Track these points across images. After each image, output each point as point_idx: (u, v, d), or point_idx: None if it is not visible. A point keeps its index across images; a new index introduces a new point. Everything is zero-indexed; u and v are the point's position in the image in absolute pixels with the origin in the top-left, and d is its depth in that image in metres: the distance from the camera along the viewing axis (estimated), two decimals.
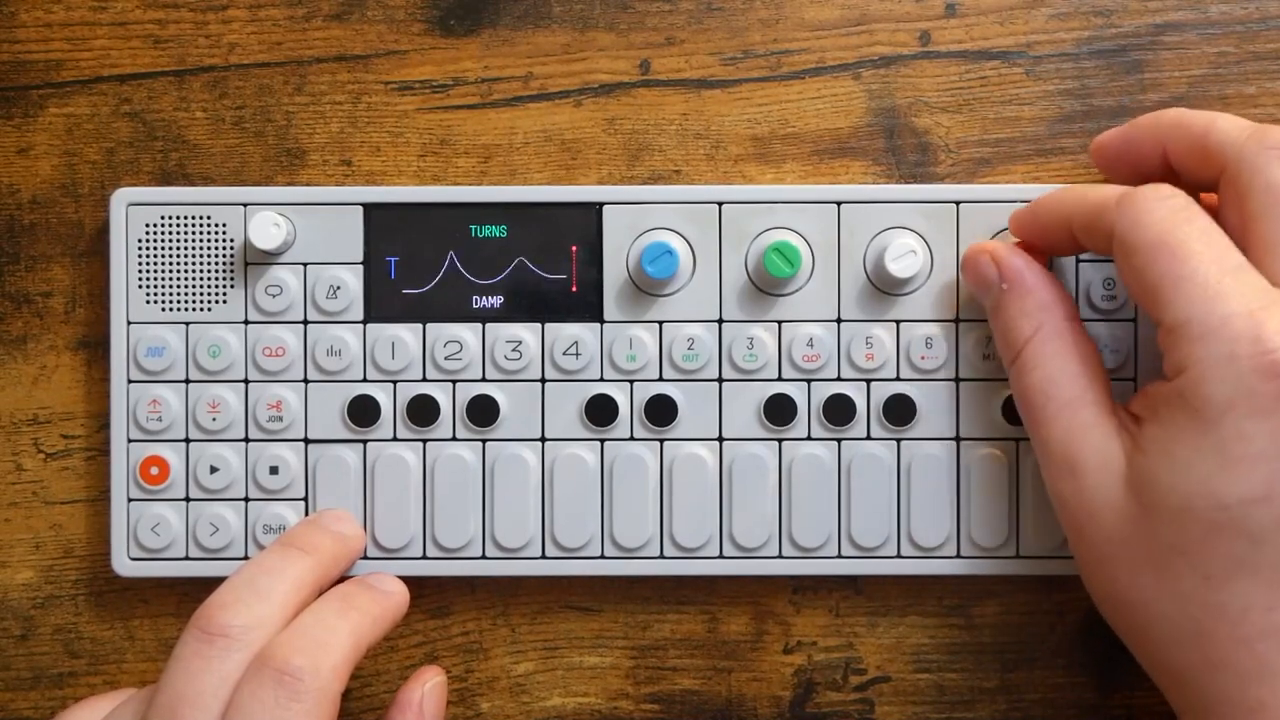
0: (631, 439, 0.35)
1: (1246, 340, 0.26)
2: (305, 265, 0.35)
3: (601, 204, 0.35)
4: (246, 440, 0.35)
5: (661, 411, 0.35)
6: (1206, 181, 0.30)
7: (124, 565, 0.35)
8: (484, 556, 0.35)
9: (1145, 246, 0.28)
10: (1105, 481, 0.29)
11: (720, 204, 0.35)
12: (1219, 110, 0.36)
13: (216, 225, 0.35)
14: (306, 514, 0.35)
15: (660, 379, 0.35)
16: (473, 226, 0.35)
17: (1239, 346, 0.27)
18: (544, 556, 0.35)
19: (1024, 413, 0.32)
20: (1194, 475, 0.27)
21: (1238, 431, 0.27)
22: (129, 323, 0.35)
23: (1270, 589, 0.27)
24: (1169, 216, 0.28)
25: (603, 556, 0.35)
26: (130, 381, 0.35)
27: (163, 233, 0.35)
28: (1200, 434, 0.27)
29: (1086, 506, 0.30)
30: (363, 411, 0.35)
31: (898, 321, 0.35)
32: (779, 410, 0.35)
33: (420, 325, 0.35)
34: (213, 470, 0.35)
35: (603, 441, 0.35)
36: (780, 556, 0.35)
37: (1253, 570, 0.27)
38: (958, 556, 0.35)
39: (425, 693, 0.33)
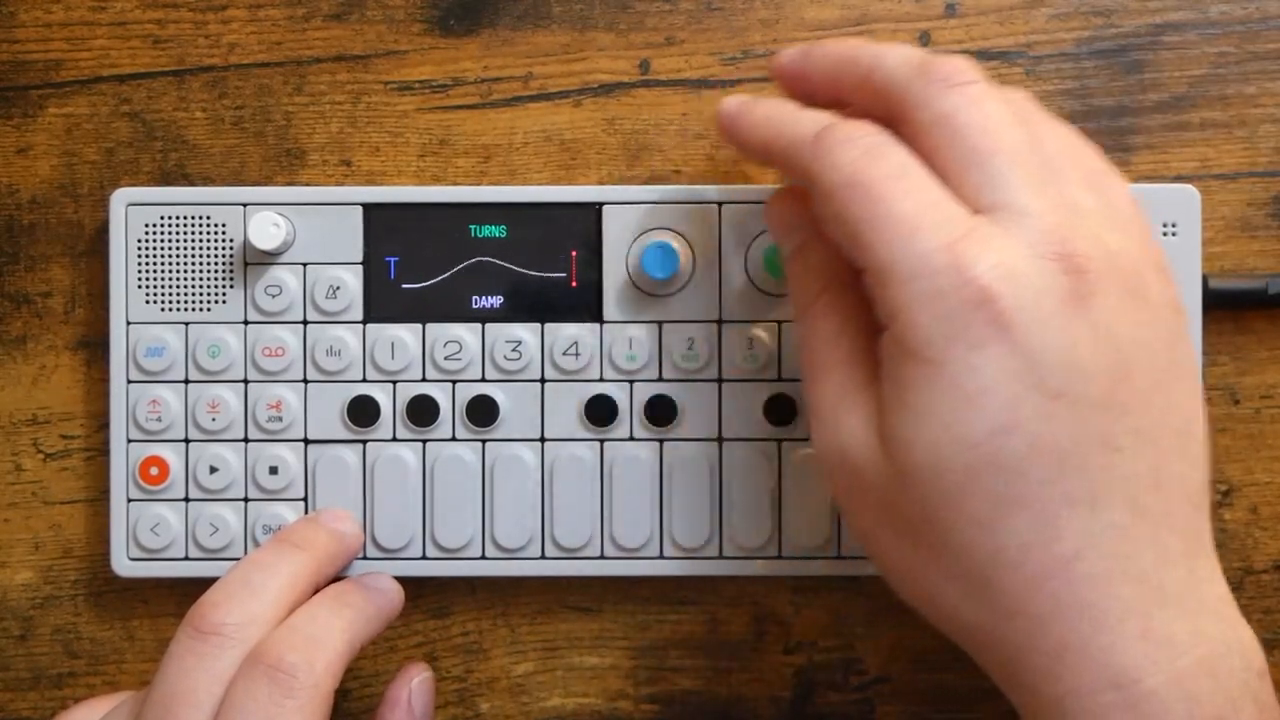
0: (631, 439, 0.35)
1: (950, 273, 0.25)
2: (305, 265, 0.35)
3: (601, 204, 0.35)
4: (246, 440, 0.35)
5: (661, 411, 0.35)
6: (883, 117, 0.29)
7: (123, 565, 0.35)
8: (484, 557, 0.35)
9: (838, 189, 0.27)
10: (865, 447, 0.28)
11: (720, 204, 0.35)
12: (1219, 109, 0.36)
13: (216, 225, 0.35)
14: (306, 514, 0.35)
15: (660, 379, 0.35)
16: (473, 226, 0.35)
17: (943, 280, 0.25)
18: (544, 557, 0.35)
19: (801, 369, 0.30)
20: (936, 421, 0.26)
21: (966, 365, 0.25)
22: (128, 323, 0.35)
23: (1044, 522, 0.25)
24: (860, 157, 0.27)
25: (603, 556, 0.35)
26: (130, 381, 0.35)
27: (162, 233, 0.35)
28: (930, 378, 0.26)
29: (850, 474, 0.28)
30: (362, 411, 0.35)
31: None
32: (779, 410, 0.35)
33: (420, 325, 0.35)
34: (212, 470, 0.35)
35: (603, 441, 0.35)
36: (780, 557, 0.35)
37: (1020, 504, 0.26)
38: None
39: (413, 689, 0.33)
